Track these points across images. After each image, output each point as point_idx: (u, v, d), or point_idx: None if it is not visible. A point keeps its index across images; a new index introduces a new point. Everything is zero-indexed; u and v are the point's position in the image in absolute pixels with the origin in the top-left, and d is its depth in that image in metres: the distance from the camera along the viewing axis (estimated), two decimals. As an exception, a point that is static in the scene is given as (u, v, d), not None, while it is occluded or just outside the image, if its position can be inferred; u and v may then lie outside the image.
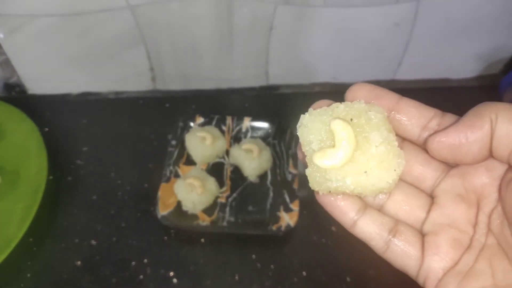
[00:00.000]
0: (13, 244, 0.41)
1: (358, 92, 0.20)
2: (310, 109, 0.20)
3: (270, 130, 0.52)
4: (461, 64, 0.58)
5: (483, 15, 0.51)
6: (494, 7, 0.50)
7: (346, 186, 0.19)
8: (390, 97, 0.20)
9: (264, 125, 0.52)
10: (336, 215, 0.20)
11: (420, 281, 0.19)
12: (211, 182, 0.46)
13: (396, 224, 0.20)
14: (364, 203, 0.20)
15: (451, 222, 0.19)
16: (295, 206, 0.45)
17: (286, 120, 0.51)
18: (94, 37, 0.51)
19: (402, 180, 0.20)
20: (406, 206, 0.20)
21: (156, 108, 0.57)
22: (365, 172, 0.19)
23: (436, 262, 0.18)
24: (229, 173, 0.49)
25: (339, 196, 0.20)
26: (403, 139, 0.21)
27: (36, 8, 0.48)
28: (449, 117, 0.19)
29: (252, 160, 0.47)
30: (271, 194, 0.47)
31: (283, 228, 0.43)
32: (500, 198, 0.18)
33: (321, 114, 0.20)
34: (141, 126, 0.54)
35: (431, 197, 0.20)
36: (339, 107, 0.20)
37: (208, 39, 0.52)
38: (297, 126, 0.20)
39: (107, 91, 0.59)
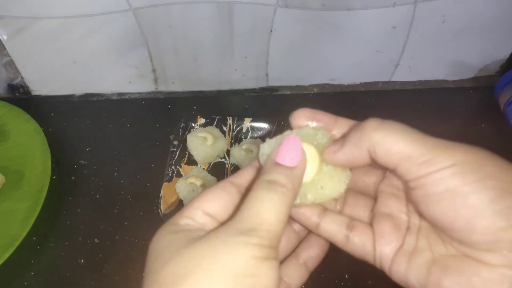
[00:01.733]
0: (17, 243, 0.41)
1: (301, 118, 0.23)
2: (267, 139, 0.23)
3: (270, 131, 0.52)
4: (457, 65, 0.59)
5: (479, 17, 0.52)
6: (490, 9, 0.51)
7: (307, 200, 0.22)
8: (329, 119, 0.23)
9: (264, 125, 0.53)
10: (302, 221, 0.23)
11: (378, 264, 0.22)
12: (212, 182, 0.47)
13: (352, 221, 0.23)
14: (323, 208, 0.24)
15: (389, 212, 0.23)
16: (294, 205, 0.45)
17: (285, 121, 0.52)
18: (97, 39, 0.52)
19: (351, 188, 0.25)
20: (357, 207, 0.24)
21: (158, 109, 0.58)
22: (321, 187, 0.22)
23: (385, 245, 0.22)
24: (230, 173, 0.50)
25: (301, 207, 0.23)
26: None
27: (40, 10, 0.48)
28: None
29: (252, 160, 0.48)
30: (271, 193, 0.48)
31: (283, 227, 0.44)
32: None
33: (278, 142, 0.23)
34: (144, 127, 0.55)
35: (374, 198, 0.24)
36: (291, 134, 0.23)
37: (209, 41, 0.53)
38: (259, 155, 0.23)
39: (110, 92, 0.60)
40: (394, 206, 0.23)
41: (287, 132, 0.23)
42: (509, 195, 0.17)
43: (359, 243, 0.23)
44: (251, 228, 0.18)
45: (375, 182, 0.25)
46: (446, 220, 0.19)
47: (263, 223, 0.19)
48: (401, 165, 0.19)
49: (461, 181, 0.18)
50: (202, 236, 0.19)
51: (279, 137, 0.23)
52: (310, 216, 0.23)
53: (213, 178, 0.47)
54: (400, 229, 0.22)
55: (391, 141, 0.19)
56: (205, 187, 0.46)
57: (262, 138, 0.52)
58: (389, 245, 0.22)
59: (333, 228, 0.23)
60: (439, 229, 0.20)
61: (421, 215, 0.21)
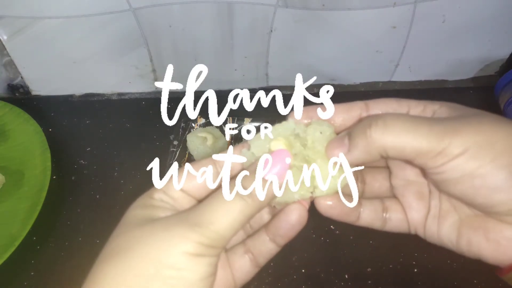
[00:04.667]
0: (17, 243, 0.41)
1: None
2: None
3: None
4: (457, 65, 0.59)
5: (479, 17, 0.52)
6: (490, 10, 0.51)
7: (294, 198, 0.22)
8: (314, 108, 0.25)
9: (264, 126, 0.53)
10: (342, 220, 0.24)
11: (414, 232, 0.24)
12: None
13: (383, 202, 0.25)
14: (358, 203, 0.24)
15: (408, 181, 0.24)
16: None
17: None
18: (97, 39, 0.52)
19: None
20: (376, 181, 0.26)
21: (158, 109, 0.57)
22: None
23: (415, 214, 0.24)
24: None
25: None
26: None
27: (40, 10, 0.48)
28: (373, 107, 0.24)
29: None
30: (271, 193, 0.48)
31: (283, 227, 0.44)
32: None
33: (261, 144, 0.24)
34: (144, 127, 0.55)
35: (387, 167, 0.26)
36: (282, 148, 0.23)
37: (209, 41, 0.53)
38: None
39: (110, 92, 0.60)
40: (410, 174, 0.25)
41: (270, 128, 0.24)
42: None
43: (395, 221, 0.24)
44: (199, 223, 0.19)
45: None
46: (466, 198, 0.20)
47: (214, 223, 0.19)
48: (416, 159, 0.20)
49: (476, 164, 0.19)
50: (159, 218, 0.21)
51: (259, 137, 0.24)
52: (349, 213, 0.24)
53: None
54: (423, 195, 0.24)
55: (402, 143, 0.20)
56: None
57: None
58: (418, 213, 0.24)
59: (372, 217, 0.25)
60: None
61: (441, 191, 0.23)
